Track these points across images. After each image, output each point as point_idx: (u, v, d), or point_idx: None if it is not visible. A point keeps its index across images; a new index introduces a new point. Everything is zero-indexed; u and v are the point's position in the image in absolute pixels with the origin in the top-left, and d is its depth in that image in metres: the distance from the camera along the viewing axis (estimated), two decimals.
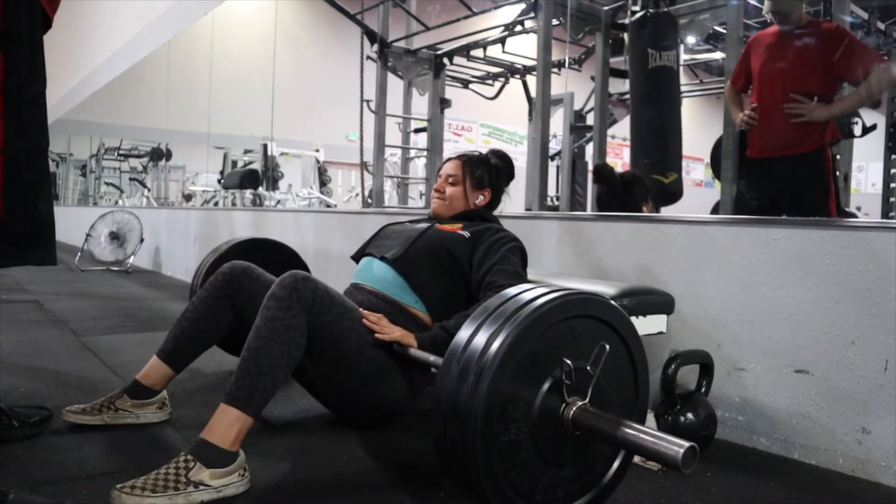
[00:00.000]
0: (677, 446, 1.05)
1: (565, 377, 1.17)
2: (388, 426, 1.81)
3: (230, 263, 1.80)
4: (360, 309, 1.64)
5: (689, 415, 1.67)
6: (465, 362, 1.15)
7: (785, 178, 2.63)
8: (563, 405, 1.19)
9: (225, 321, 1.78)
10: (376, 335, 1.60)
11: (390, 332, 1.61)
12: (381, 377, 1.63)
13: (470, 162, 1.97)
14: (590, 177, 4.15)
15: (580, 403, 1.19)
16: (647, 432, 1.12)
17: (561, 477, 1.23)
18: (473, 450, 1.10)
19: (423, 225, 1.91)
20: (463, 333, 1.19)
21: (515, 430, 1.16)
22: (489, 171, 1.98)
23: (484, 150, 2.06)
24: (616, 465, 1.32)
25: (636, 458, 1.59)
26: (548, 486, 1.21)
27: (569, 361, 1.17)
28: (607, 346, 1.21)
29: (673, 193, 3.58)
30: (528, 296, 1.21)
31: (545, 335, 1.18)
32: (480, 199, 1.97)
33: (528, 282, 1.55)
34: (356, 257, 1.98)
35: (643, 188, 2.61)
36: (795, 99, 2.54)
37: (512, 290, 1.25)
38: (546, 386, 1.18)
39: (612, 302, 1.32)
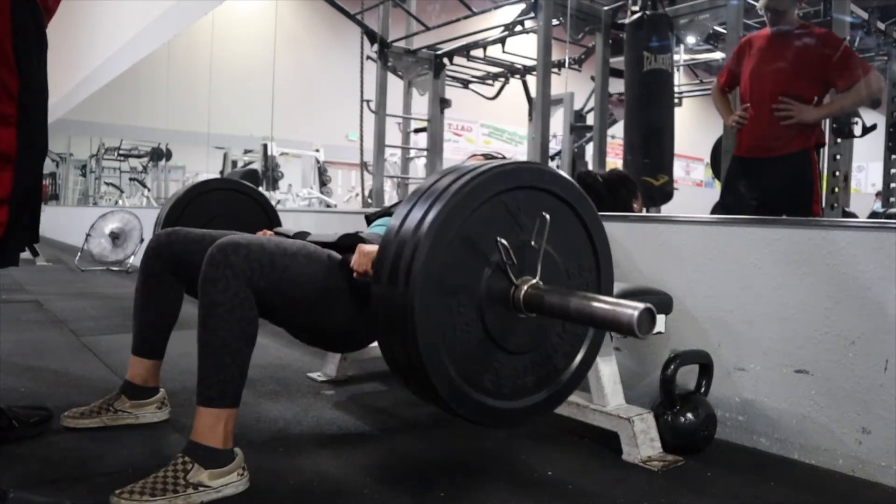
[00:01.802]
0: (632, 308, 0.98)
1: (505, 256, 1.11)
2: (388, 429, 1.81)
3: (153, 236, 1.75)
4: (354, 257, 1.49)
5: (689, 415, 1.67)
6: (400, 241, 1.09)
7: (770, 179, 2.66)
8: (513, 287, 1.13)
9: (173, 293, 1.74)
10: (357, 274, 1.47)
11: (367, 254, 1.45)
12: (341, 303, 1.51)
13: (491, 159, 2.00)
14: None
15: (532, 281, 1.13)
16: (599, 299, 1.05)
17: (515, 367, 1.17)
18: (413, 325, 1.03)
19: None
20: (400, 210, 1.14)
21: (459, 306, 1.10)
22: None
23: (486, 151, 2.08)
24: (578, 358, 1.25)
25: (636, 458, 1.59)
26: (500, 374, 1.16)
27: (503, 240, 1.10)
28: (548, 217, 1.12)
29: (664, 196, 3.59)
30: (460, 173, 1.14)
31: (481, 212, 1.10)
32: None
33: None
34: (371, 217, 1.95)
35: (629, 186, 2.61)
36: (784, 101, 2.56)
37: (454, 167, 1.19)
38: (492, 263, 1.12)
39: (552, 168, 1.24)
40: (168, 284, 1.73)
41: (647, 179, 3.31)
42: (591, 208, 1.26)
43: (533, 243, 1.14)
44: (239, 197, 2.34)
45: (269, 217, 2.37)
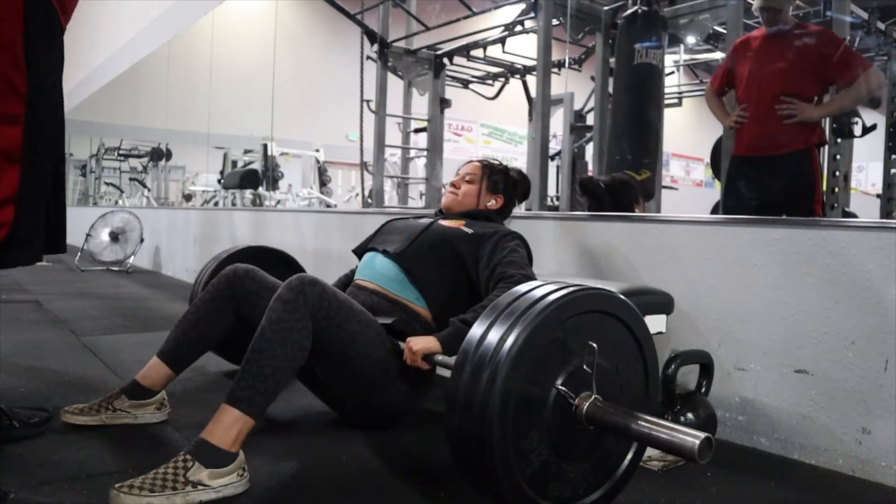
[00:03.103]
0: (693, 437, 1.06)
1: (564, 380, 1.19)
2: (388, 429, 1.81)
3: (233, 266, 1.80)
4: (406, 352, 1.60)
5: (689, 415, 1.67)
6: (479, 359, 1.15)
7: (771, 177, 2.66)
8: (576, 401, 1.20)
9: (225, 323, 1.77)
10: (408, 361, 1.59)
11: (417, 352, 1.57)
12: (387, 379, 1.64)
13: (490, 167, 2.04)
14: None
15: (593, 397, 1.20)
16: (661, 424, 1.13)
17: (575, 471, 1.24)
18: (490, 447, 1.11)
19: (426, 220, 1.94)
20: (475, 331, 1.20)
21: (530, 427, 1.17)
22: (506, 179, 2.05)
23: (485, 152, 2.10)
24: (629, 458, 1.33)
25: None
26: (562, 481, 1.22)
27: (561, 386, 1.19)
28: (595, 346, 1.21)
29: (644, 193, 3.58)
30: (539, 292, 1.22)
31: (555, 332, 1.19)
32: (492, 203, 2.02)
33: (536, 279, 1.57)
34: (358, 252, 2.00)
35: (631, 192, 2.62)
36: (786, 100, 2.56)
37: (522, 287, 1.26)
38: (559, 381, 1.20)
39: (621, 296, 1.32)
40: (225, 311, 1.77)
41: (630, 174, 3.30)
42: (630, 307, 1.33)
43: (585, 367, 1.22)
44: (275, 264, 2.35)
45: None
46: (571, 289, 1.23)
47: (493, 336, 1.17)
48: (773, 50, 2.69)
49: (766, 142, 2.66)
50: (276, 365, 1.39)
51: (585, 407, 1.20)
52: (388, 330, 1.65)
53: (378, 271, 1.82)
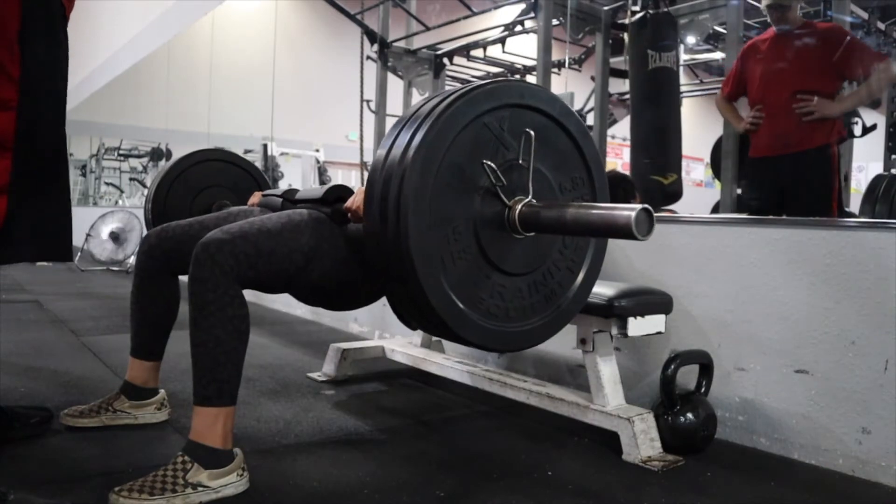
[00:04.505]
0: (628, 209, 0.97)
1: (494, 178, 1.10)
2: (388, 429, 1.81)
3: (143, 239, 1.75)
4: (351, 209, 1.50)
5: (689, 415, 1.67)
6: (387, 172, 1.07)
7: (788, 175, 2.65)
8: (506, 208, 1.12)
9: (170, 292, 1.73)
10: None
11: (357, 206, 1.45)
12: (339, 261, 1.51)
13: None
14: None
15: (525, 200, 1.12)
16: (596, 206, 1.04)
17: (517, 288, 1.16)
18: (410, 260, 1.03)
19: None
20: (382, 143, 1.13)
21: (458, 241, 1.09)
22: None
23: None
24: (575, 287, 1.24)
25: (636, 458, 1.59)
26: (503, 297, 1.15)
27: (489, 163, 1.09)
28: (532, 133, 1.12)
29: (673, 194, 3.59)
30: (440, 98, 1.12)
31: (465, 137, 1.09)
32: None
33: None
34: None
35: (627, 187, 2.62)
36: (803, 99, 2.55)
37: (428, 97, 1.18)
38: (482, 187, 1.10)
39: (534, 84, 1.22)
40: (163, 284, 1.72)
41: (657, 178, 3.32)
42: (578, 121, 1.24)
43: (521, 161, 1.12)
44: (225, 166, 2.37)
45: (257, 181, 2.40)
46: (472, 86, 1.12)
47: (402, 139, 1.07)
48: (785, 49, 2.68)
49: (785, 140, 2.65)
50: (226, 349, 1.33)
51: (519, 209, 1.10)
52: (324, 205, 1.55)
53: None
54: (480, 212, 1.11)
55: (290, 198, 1.72)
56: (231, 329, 1.34)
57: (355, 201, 1.46)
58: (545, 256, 1.21)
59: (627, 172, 3.73)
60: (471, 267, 1.11)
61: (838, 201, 2.71)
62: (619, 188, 2.59)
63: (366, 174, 4.95)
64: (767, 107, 2.69)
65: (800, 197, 2.62)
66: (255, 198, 1.93)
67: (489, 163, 1.09)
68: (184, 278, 1.48)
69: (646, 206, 0.98)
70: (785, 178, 2.66)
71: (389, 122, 4.95)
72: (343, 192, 1.58)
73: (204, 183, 2.30)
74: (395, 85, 5.09)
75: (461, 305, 1.10)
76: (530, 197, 1.13)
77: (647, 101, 3.63)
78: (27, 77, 1.39)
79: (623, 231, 0.97)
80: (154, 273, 1.71)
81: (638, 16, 3.62)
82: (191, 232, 1.67)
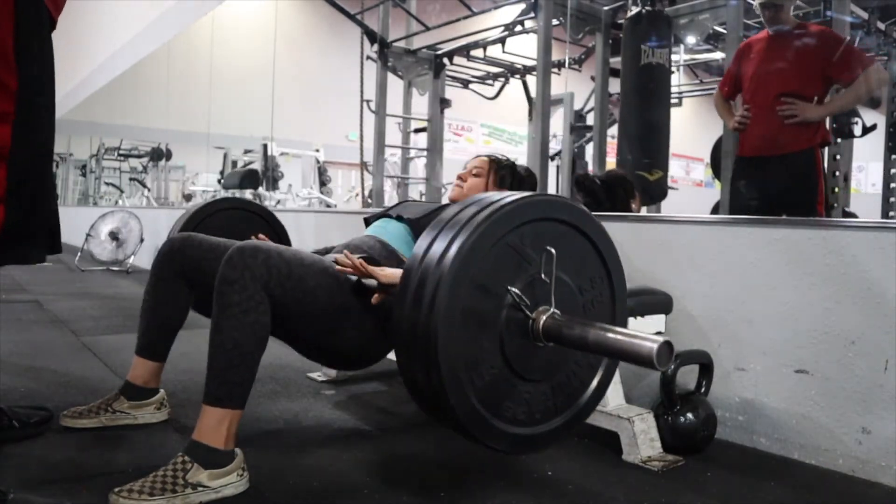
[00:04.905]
0: (651, 341, 1.00)
1: (518, 299, 1.14)
2: (388, 429, 1.81)
3: (168, 239, 1.76)
4: (341, 254, 1.55)
5: (689, 415, 1.67)
6: (422, 273, 1.10)
7: (775, 177, 2.67)
8: (530, 319, 1.15)
9: (183, 297, 1.74)
10: (360, 276, 1.50)
11: (377, 272, 1.49)
12: (353, 323, 1.55)
13: (497, 162, 2.02)
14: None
15: (548, 312, 1.15)
16: (618, 331, 1.07)
17: (532, 393, 1.19)
18: (436, 359, 1.05)
19: (444, 203, 1.95)
20: (419, 245, 1.15)
21: (481, 338, 1.12)
22: (513, 175, 2.03)
23: (487, 152, 2.10)
24: (593, 385, 1.28)
25: (636, 458, 1.59)
26: (524, 403, 1.18)
27: (515, 290, 1.13)
28: (553, 251, 1.15)
29: (658, 192, 3.59)
30: (488, 200, 1.16)
31: (495, 251, 1.12)
32: None
33: None
34: (370, 219, 1.97)
35: (627, 187, 2.62)
36: (787, 101, 2.56)
37: (471, 198, 1.21)
38: (509, 299, 1.14)
39: (549, 196, 1.26)
40: (178, 289, 1.73)
41: (642, 174, 3.31)
42: (595, 222, 1.28)
43: (543, 276, 1.16)
44: (247, 216, 2.31)
45: (279, 235, 2.35)
46: (524, 195, 1.17)
47: (437, 247, 1.10)
48: (775, 50, 2.69)
49: (769, 142, 2.67)
50: (243, 352, 1.34)
51: (543, 320, 1.14)
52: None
53: (388, 230, 1.79)
54: (507, 320, 1.15)
55: (319, 252, 1.75)
56: (251, 334, 1.34)
57: (384, 277, 1.48)
58: (567, 361, 1.24)
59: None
60: (494, 372, 1.15)
61: (825, 205, 2.72)
62: (619, 188, 2.60)
63: (367, 174, 4.97)
64: (755, 107, 2.70)
65: (785, 199, 2.62)
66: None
67: (514, 290, 1.13)
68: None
69: (667, 339, 1.01)
70: (770, 180, 2.68)
71: (389, 122, 4.96)
72: (369, 261, 1.59)
73: (224, 232, 2.27)
74: (395, 85, 5.09)
75: (481, 409, 1.13)
76: (553, 309, 1.17)
77: (636, 96, 3.63)
78: (24, 89, 1.41)
79: (644, 361, 1.02)
80: (171, 276, 1.73)
81: (634, 11, 3.62)
82: (216, 252, 1.66)
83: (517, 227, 1.15)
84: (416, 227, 1.76)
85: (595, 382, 1.28)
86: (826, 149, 2.97)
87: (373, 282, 1.51)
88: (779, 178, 2.65)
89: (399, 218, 1.82)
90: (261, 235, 1.93)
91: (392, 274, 1.51)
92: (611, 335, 1.07)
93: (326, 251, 1.81)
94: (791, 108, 2.56)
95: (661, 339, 1.00)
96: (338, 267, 1.50)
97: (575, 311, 1.22)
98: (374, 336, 1.60)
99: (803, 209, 2.58)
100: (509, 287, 1.13)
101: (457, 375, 1.08)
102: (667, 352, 1.00)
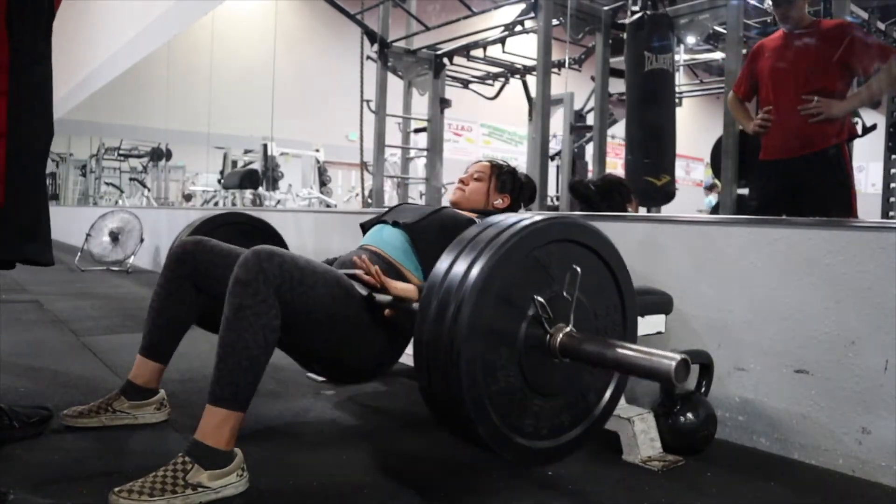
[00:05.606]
0: (668, 359, 1.03)
1: (541, 310, 1.17)
2: (388, 429, 1.81)
3: (180, 241, 1.76)
4: (357, 257, 1.60)
5: (689, 415, 1.67)
6: (445, 293, 1.12)
7: (803, 177, 2.61)
8: (548, 335, 1.18)
9: (190, 301, 1.74)
10: (374, 285, 1.55)
11: (392, 284, 1.54)
12: (360, 336, 1.57)
13: (499, 167, 2.05)
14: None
15: (566, 329, 1.18)
16: (635, 349, 1.10)
17: (553, 407, 1.22)
18: (458, 379, 1.08)
19: (440, 205, 1.96)
20: (440, 265, 1.17)
21: (502, 362, 1.14)
22: (514, 181, 2.05)
23: (485, 152, 2.11)
24: (607, 396, 1.31)
25: (636, 458, 1.59)
26: (540, 417, 1.20)
27: (539, 298, 1.16)
28: (579, 269, 1.18)
29: (665, 195, 3.59)
30: (510, 220, 1.20)
31: (523, 263, 1.16)
32: (499, 202, 2.02)
33: None
34: (366, 226, 1.97)
35: (623, 191, 2.61)
36: (808, 99, 2.53)
37: (492, 219, 1.24)
38: (529, 315, 1.17)
39: (577, 219, 1.31)
40: (186, 290, 1.73)
41: (650, 179, 3.33)
42: (615, 251, 1.32)
43: (565, 294, 1.19)
44: (248, 230, 2.30)
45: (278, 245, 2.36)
46: (549, 215, 1.21)
47: (459, 267, 1.12)
48: (793, 49, 2.64)
49: (798, 141, 2.61)
50: (251, 355, 1.35)
51: (560, 338, 1.17)
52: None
53: (384, 239, 1.80)
54: (526, 336, 1.18)
55: (328, 262, 1.77)
56: (261, 337, 1.35)
57: (394, 289, 1.53)
58: (581, 378, 1.28)
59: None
60: (512, 387, 1.18)
61: (855, 199, 2.67)
62: (615, 192, 2.59)
63: (366, 174, 4.97)
64: (778, 108, 2.65)
65: (818, 199, 2.57)
66: None
67: (540, 298, 1.16)
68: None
69: (685, 356, 1.04)
70: (800, 181, 2.62)
71: (389, 122, 4.95)
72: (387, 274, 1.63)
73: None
74: (395, 85, 5.09)
75: (499, 423, 1.16)
76: (570, 326, 1.19)
77: (642, 103, 3.64)
78: (16, 61, 1.40)
79: (663, 379, 1.05)
80: (181, 278, 1.72)
81: (635, 17, 3.62)
82: (228, 259, 1.66)
83: (546, 245, 1.19)
84: (413, 231, 1.77)
85: (608, 395, 1.33)
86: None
87: (386, 297, 1.54)
88: (811, 178, 2.59)
89: (395, 224, 1.82)
90: None
91: (405, 288, 1.53)
92: (629, 353, 1.10)
93: (329, 263, 1.81)
94: (816, 107, 2.52)
95: (678, 356, 1.03)
96: (354, 271, 1.53)
97: (589, 330, 1.26)
98: (380, 350, 1.63)
99: (839, 207, 2.54)
100: (536, 297, 1.16)
101: (478, 392, 1.11)
102: (684, 369, 1.03)
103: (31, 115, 1.45)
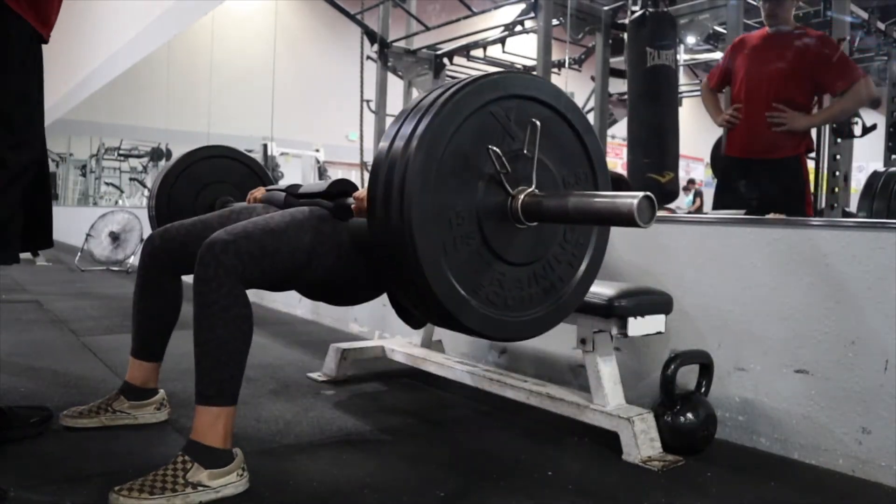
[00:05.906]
0: (631, 197, 0.97)
1: (499, 165, 1.11)
2: (388, 429, 1.81)
3: (147, 240, 1.75)
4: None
5: (689, 415, 1.67)
6: (391, 159, 1.08)
7: (763, 180, 2.69)
8: (510, 198, 1.13)
9: (172, 294, 1.74)
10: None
11: (362, 198, 1.48)
12: (346, 257, 1.51)
13: None
14: None
15: (528, 191, 1.13)
16: (598, 194, 1.05)
17: (518, 278, 1.18)
18: (413, 244, 1.03)
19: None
20: (386, 133, 1.14)
21: (461, 227, 1.10)
22: None
23: None
24: (580, 272, 1.26)
25: (636, 458, 1.59)
26: (503, 286, 1.16)
27: (496, 148, 1.10)
28: (538, 122, 1.12)
29: (669, 193, 3.59)
30: (446, 87, 1.14)
31: (471, 124, 1.10)
32: None
33: None
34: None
35: (624, 187, 2.62)
36: (778, 108, 2.58)
37: (433, 88, 1.20)
38: (487, 174, 1.11)
39: (540, 77, 1.26)
40: (166, 286, 1.72)
41: (654, 177, 3.32)
42: (583, 117, 1.26)
43: (526, 151, 1.13)
44: (228, 162, 2.39)
45: (260, 177, 2.41)
46: (477, 75, 1.14)
47: (406, 129, 1.08)
48: (770, 52, 2.70)
49: (758, 145, 2.69)
50: (229, 349, 1.34)
51: (522, 199, 1.11)
52: (325, 197, 1.57)
53: None
54: (484, 200, 1.12)
55: (293, 192, 1.72)
56: (234, 329, 1.34)
57: (361, 194, 1.47)
58: (547, 249, 1.22)
59: (625, 172, 3.73)
60: (472, 254, 1.13)
61: (812, 207, 2.77)
62: (617, 190, 2.59)
63: (366, 174, 4.95)
64: (746, 108, 2.72)
65: (773, 201, 2.64)
66: (258, 192, 1.92)
67: (494, 148, 1.09)
68: (187, 278, 1.48)
69: (647, 193, 0.98)
70: (755, 183, 2.70)
71: (390, 122, 4.96)
72: (346, 186, 1.59)
73: (207, 179, 2.33)
74: (395, 85, 5.09)
75: (461, 291, 1.11)
76: (534, 187, 1.14)
77: (645, 99, 3.62)
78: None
79: (625, 218, 0.98)
80: (157, 274, 1.72)
81: (637, 13, 3.62)
82: (194, 232, 1.67)
83: (500, 99, 1.12)
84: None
85: (580, 274, 1.26)
86: (823, 150, 3.00)
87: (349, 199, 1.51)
88: (767, 182, 2.67)
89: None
90: (259, 190, 1.93)
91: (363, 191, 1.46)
92: (590, 199, 1.04)
93: (296, 187, 1.76)
94: (781, 117, 2.59)
95: (640, 194, 0.97)
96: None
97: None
98: (355, 257, 1.54)
99: (791, 212, 2.60)
100: (490, 147, 1.09)
101: (436, 261, 1.06)
102: (647, 206, 0.97)
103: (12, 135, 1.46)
